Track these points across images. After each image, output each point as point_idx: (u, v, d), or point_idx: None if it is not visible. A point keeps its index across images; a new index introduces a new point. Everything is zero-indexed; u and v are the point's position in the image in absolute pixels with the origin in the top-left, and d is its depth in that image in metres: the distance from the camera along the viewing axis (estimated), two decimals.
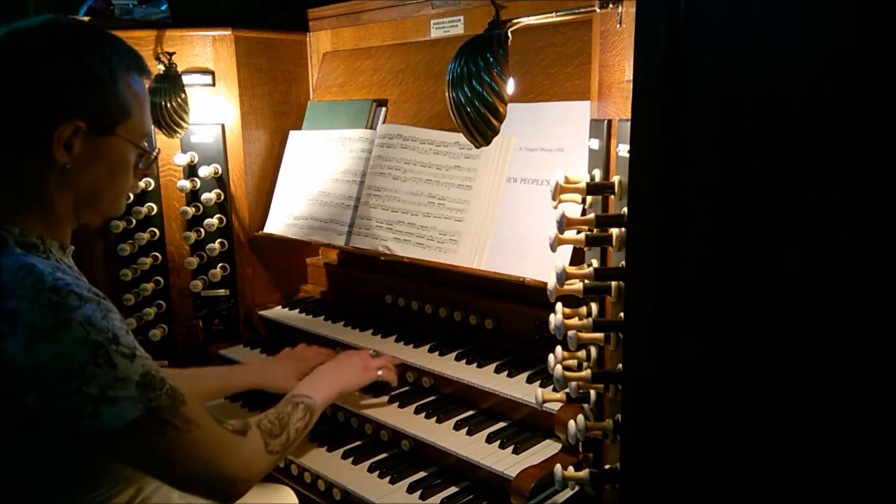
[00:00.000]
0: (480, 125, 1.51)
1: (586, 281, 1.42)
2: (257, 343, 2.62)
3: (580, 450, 1.71)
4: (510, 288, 2.05)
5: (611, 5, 1.44)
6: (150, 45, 2.51)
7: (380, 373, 2.03)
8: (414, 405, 2.08)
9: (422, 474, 1.94)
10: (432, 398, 2.12)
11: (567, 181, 1.50)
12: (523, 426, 1.94)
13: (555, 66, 2.04)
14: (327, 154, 2.57)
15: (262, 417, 1.56)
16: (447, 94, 1.53)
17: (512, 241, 1.98)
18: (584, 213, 1.63)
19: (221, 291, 2.69)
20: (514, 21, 1.54)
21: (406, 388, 2.17)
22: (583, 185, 1.49)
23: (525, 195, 1.99)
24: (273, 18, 2.76)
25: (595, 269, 1.42)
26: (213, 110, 2.62)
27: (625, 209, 1.40)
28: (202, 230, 2.62)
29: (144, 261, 2.62)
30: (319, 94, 2.77)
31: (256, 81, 2.67)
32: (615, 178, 1.46)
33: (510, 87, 1.53)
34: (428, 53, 2.42)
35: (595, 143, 1.56)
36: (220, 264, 2.67)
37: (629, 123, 0.98)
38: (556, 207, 1.51)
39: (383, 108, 2.51)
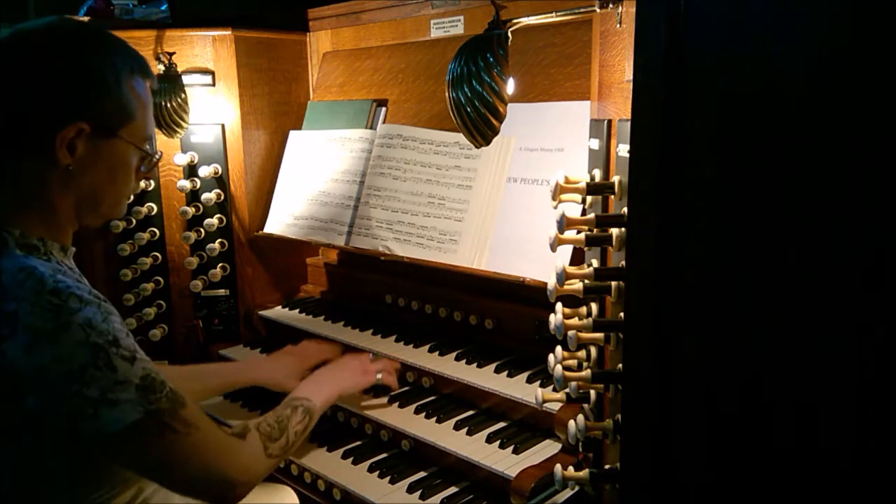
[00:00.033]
0: (480, 125, 1.51)
1: (586, 281, 1.42)
2: (257, 343, 2.62)
3: (580, 450, 1.71)
4: (510, 288, 2.05)
5: (611, 5, 1.43)
6: (150, 45, 2.51)
7: (379, 376, 2.03)
8: (414, 405, 2.08)
9: (422, 474, 1.94)
10: (432, 398, 2.12)
11: (567, 181, 1.50)
12: (523, 426, 1.94)
13: (555, 66, 2.04)
14: (327, 154, 2.57)
15: (260, 420, 1.56)
16: (447, 94, 1.53)
17: (512, 241, 1.98)
18: (584, 213, 1.63)
19: (221, 291, 2.69)
20: (514, 21, 1.54)
21: (406, 388, 2.17)
22: (583, 185, 1.49)
23: (525, 195, 1.99)
24: (273, 18, 2.76)
25: (595, 269, 1.42)
26: (213, 110, 2.63)
27: (625, 209, 1.40)
28: (202, 230, 2.62)
29: (144, 261, 2.62)
30: (319, 94, 2.77)
31: (256, 81, 2.67)
32: (615, 178, 1.46)
33: (510, 87, 1.53)
34: (428, 53, 2.42)
35: (595, 143, 1.56)
36: (220, 264, 2.67)
37: (629, 123, 0.98)
38: (556, 207, 1.51)
39: (383, 108, 2.51)
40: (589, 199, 1.55)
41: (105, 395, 1.19)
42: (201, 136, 2.63)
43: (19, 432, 1.25)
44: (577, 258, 1.76)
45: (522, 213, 1.98)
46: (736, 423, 0.90)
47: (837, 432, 0.83)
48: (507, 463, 1.76)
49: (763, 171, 0.83)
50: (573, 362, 1.57)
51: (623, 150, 1.43)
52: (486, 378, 2.00)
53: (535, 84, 2.07)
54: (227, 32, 2.57)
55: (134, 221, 2.60)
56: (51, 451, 1.27)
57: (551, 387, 1.83)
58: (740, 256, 0.87)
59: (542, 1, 1.87)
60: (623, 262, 1.34)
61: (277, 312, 2.70)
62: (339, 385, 1.90)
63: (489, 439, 1.87)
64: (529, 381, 1.97)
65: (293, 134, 2.72)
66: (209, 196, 2.60)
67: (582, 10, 1.53)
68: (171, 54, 2.47)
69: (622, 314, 1.33)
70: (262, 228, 2.69)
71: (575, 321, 1.47)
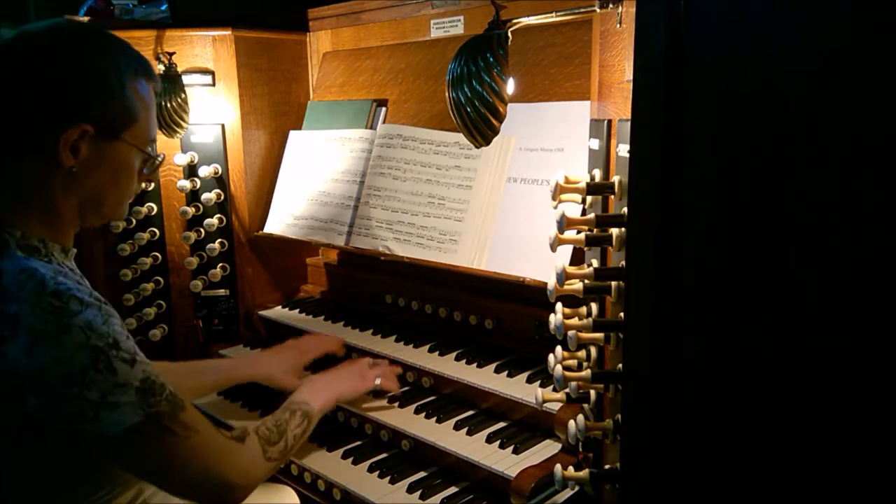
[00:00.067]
0: (480, 125, 1.51)
1: (586, 281, 1.42)
2: (257, 343, 2.62)
3: (580, 450, 1.71)
4: (510, 288, 2.05)
5: (611, 5, 1.43)
6: (150, 45, 2.51)
7: (377, 381, 2.02)
8: (414, 405, 2.08)
9: (422, 474, 1.94)
10: (432, 398, 2.12)
11: (567, 181, 1.50)
12: (523, 426, 1.94)
13: (555, 66, 2.04)
14: (327, 154, 2.57)
15: (259, 424, 1.57)
16: (447, 94, 1.53)
17: (512, 241, 1.98)
18: (584, 213, 1.63)
19: (221, 291, 2.69)
20: (514, 21, 1.54)
21: (406, 388, 2.17)
22: (583, 185, 1.49)
23: (525, 195, 1.99)
24: (273, 18, 2.76)
25: (595, 269, 1.42)
26: (213, 110, 2.63)
27: (625, 209, 1.40)
28: (202, 230, 2.62)
29: (144, 261, 2.62)
30: (319, 94, 2.77)
31: (256, 81, 2.67)
32: (615, 178, 1.46)
33: (510, 87, 1.53)
34: (428, 53, 2.42)
35: (595, 143, 1.56)
36: (220, 264, 2.67)
37: (629, 123, 0.98)
38: (556, 207, 1.51)
39: (383, 108, 2.52)
40: (589, 199, 1.55)
41: (105, 398, 1.19)
42: (201, 136, 2.63)
43: (20, 433, 1.25)
44: (577, 258, 1.76)
45: (522, 213, 1.98)
46: (736, 423, 0.90)
47: (837, 432, 0.83)
48: (507, 463, 1.76)
49: (763, 171, 0.83)
50: (573, 362, 1.57)
51: (623, 150, 1.43)
52: (486, 378, 2.00)
53: (535, 84, 2.07)
54: (227, 32, 2.57)
55: (134, 221, 2.60)
56: (51, 452, 1.27)
57: (551, 387, 1.83)
58: (740, 256, 0.87)
59: (542, 1, 1.87)
60: (623, 262, 1.34)
61: (277, 312, 2.70)
62: (338, 390, 1.90)
63: (489, 439, 1.87)
64: (529, 381, 1.97)
65: (293, 134, 2.72)
66: (209, 196, 2.60)
67: (582, 10, 1.53)
68: (171, 54, 2.47)
69: (622, 314, 1.33)
70: (262, 228, 2.69)
71: (575, 321, 1.47)
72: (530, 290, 1.91)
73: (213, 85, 2.60)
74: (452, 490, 1.86)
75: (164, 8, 2.71)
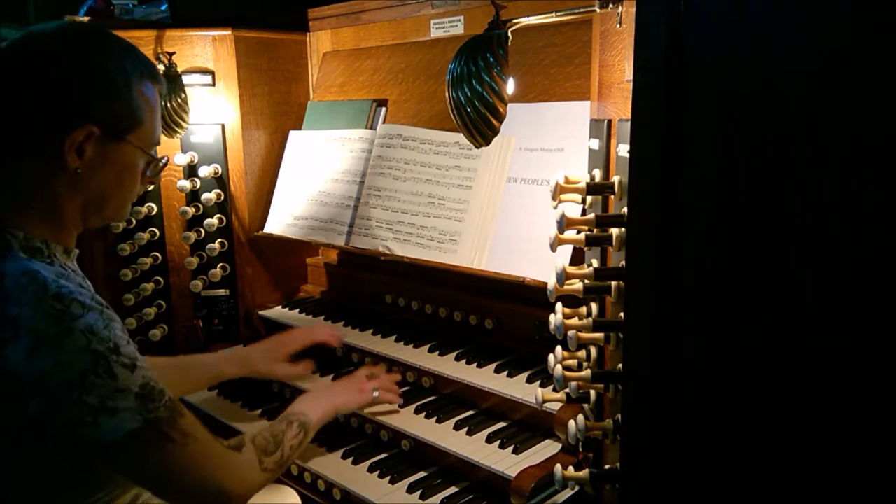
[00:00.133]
0: (480, 125, 1.51)
1: (586, 281, 1.42)
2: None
3: (580, 450, 1.71)
4: (510, 288, 2.05)
5: (611, 5, 1.43)
6: (150, 45, 2.51)
7: (375, 394, 2.02)
8: (414, 405, 2.08)
9: (422, 474, 1.94)
10: (432, 398, 2.12)
11: (567, 181, 1.50)
12: (523, 426, 1.94)
13: (555, 66, 2.04)
14: (327, 154, 2.57)
15: (256, 434, 1.56)
16: (447, 94, 1.53)
17: (512, 241, 1.98)
18: (584, 213, 1.63)
19: (221, 291, 2.69)
20: (514, 21, 1.54)
21: (406, 388, 2.17)
22: (583, 185, 1.49)
23: (525, 195, 1.99)
24: (273, 18, 2.76)
25: (595, 269, 1.42)
26: (213, 110, 2.63)
27: (625, 209, 1.40)
28: (202, 230, 2.62)
29: (144, 261, 2.62)
30: (319, 94, 2.77)
31: (256, 81, 2.67)
32: (615, 178, 1.46)
33: (510, 87, 1.53)
34: (428, 53, 2.42)
35: (595, 143, 1.56)
36: (220, 264, 2.67)
37: (629, 123, 0.98)
38: (556, 207, 1.51)
39: (383, 108, 2.52)
40: (589, 199, 1.55)
41: (104, 403, 1.19)
42: (201, 136, 2.63)
43: (20, 434, 1.25)
44: (577, 258, 1.75)
45: (522, 213, 1.98)
46: (736, 423, 0.90)
47: (837, 432, 0.83)
48: (507, 463, 1.76)
49: (763, 171, 0.83)
50: (573, 362, 1.57)
51: (623, 150, 1.43)
52: (486, 378, 2.00)
53: (535, 84, 2.07)
54: (227, 32, 2.57)
55: (134, 221, 2.60)
56: (51, 454, 1.27)
57: (551, 387, 1.83)
58: (740, 256, 0.87)
59: (542, 1, 1.87)
60: (623, 262, 1.34)
61: (277, 312, 2.70)
62: (336, 402, 1.90)
63: (489, 439, 1.87)
64: (529, 381, 1.97)
65: (293, 134, 2.72)
66: (209, 196, 2.60)
67: (582, 10, 1.53)
68: (171, 54, 2.47)
69: (622, 314, 1.33)
70: (262, 228, 2.69)
71: (575, 321, 1.47)
72: (530, 290, 1.91)
73: (213, 85, 2.60)
74: (452, 490, 1.86)
75: (164, 8, 2.71)
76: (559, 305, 1.53)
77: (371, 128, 2.50)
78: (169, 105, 2.39)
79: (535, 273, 1.87)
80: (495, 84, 1.48)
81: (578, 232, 1.45)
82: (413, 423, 2.00)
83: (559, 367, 1.49)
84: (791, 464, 0.87)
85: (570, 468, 1.48)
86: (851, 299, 0.80)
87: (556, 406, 1.72)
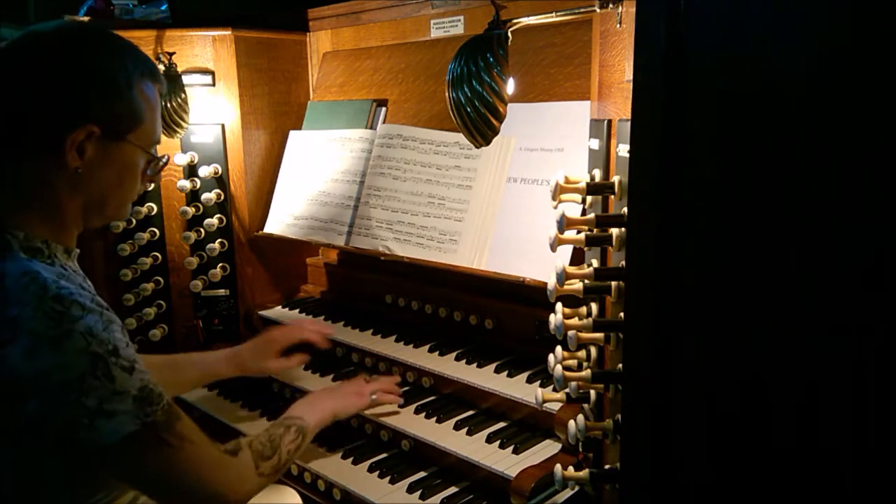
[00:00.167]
0: (480, 125, 1.51)
1: (586, 281, 1.42)
2: None
3: (580, 450, 1.71)
4: (510, 288, 2.05)
5: (611, 5, 1.43)
6: (150, 45, 2.51)
7: (374, 397, 2.01)
8: (414, 405, 2.08)
9: (422, 474, 1.94)
10: (432, 398, 2.12)
11: (567, 181, 1.50)
12: (523, 426, 1.94)
13: (555, 66, 2.04)
14: (327, 154, 2.57)
15: (253, 438, 1.56)
16: (447, 94, 1.53)
17: (512, 241, 1.98)
18: (584, 213, 1.63)
19: (221, 291, 2.69)
20: (514, 21, 1.54)
21: (406, 388, 2.17)
22: (583, 185, 1.49)
23: (525, 195, 1.99)
24: (273, 18, 2.76)
25: (595, 269, 1.42)
26: (213, 110, 2.62)
27: (625, 209, 1.40)
28: (202, 230, 2.62)
29: (144, 261, 2.62)
30: (319, 94, 2.77)
31: (256, 81, 2.67)
32: (615, 178, 1.46)
33: (510, 87, 1.53)
34: (428, 53, 2.42)
35: (595, 143, 1.56)
36: (220, 264, 2.67)
37: (629, 123, 0.98)
38: (556, 207, 1.51)
39: (383, 108, 2.52)
40: (589, 199, 1.55)
41: (102, 406, 1.19)
42: (201, 136, 2.63)
43: (20, 434, 1.24)
44: (577, 258, 1.75)
45: (522, 213, 1.98)
46: (736, 423, 0.90)
47: (837, 432, 0.83)
48: (507, 463, 1.76)
49: (763, 171, 0.83)
50: (573, 362, 1.57)
51: (623, 150, 1.43)
52: (486, 378, 2.00)
53: (535, 84, 2.07)
54: (227, 32, 2.57)
55: (134, 221, 2.60)
56: (50, 454, 1.27)
57: (551, 387, 1.83)
58: (740, 256, 0.87)
59: (542, 1, 1.87)
60: (623, 262, 1.34)
61: (277, 312, 2.69)
62: (334, 407, 1.90)
63: (489, 439, 1.87)
64: (529, 381, 1.97)
65: (293, 134, 2.72)
66: (209, 196, 2.60)
67: (582, 10, 1.53)
68: (171, 54, 2.47)
69: (622, 314, 1.33)
70: (262, 228, 2.69)
71: (575, 321, 1.47)
72: (530, 290, 1.91)
73: (213, 85, 2.60)
74: (452, 490, 1.86)
75: (164, 8, 2.71)
76: (559, 305, 1.53)
77: (371, 128, 2.50)
78: (169, 105, 2.39)
79: (535, 273, 1.87)
80: (495, 84, 1.48)
81: (578, 232, 1.45)
82: (413, 423, 2.00)
83: (559, 367, 1.49)
84: (791, 464, 0.87)
85: (570, 468, 1.48)
86: (851, 299, 0.80)
87: (556, 406, 1.72)
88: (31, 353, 1.17)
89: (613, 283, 1.39)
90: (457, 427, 1.94)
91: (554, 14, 1.55)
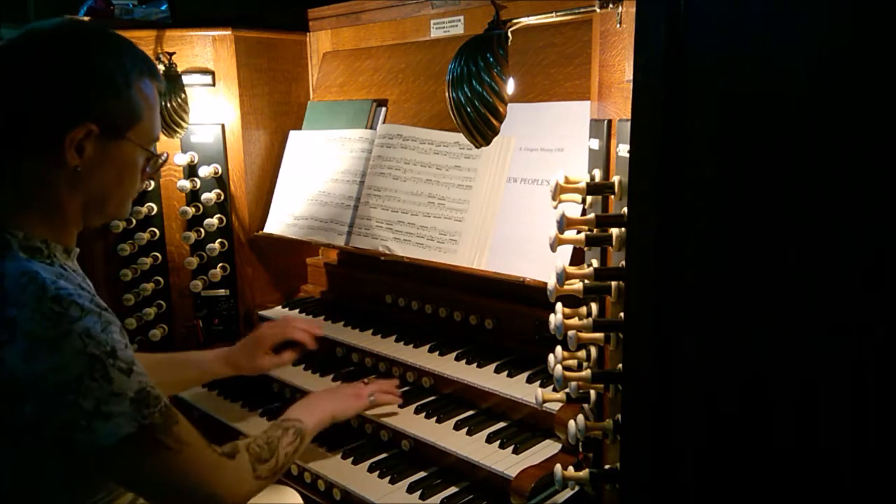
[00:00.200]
0: (480, 125, 1.51)
1: (586, 281, 1.42)
2: None
3: (580, 450, 1.71)
4: (510, 288, 2.05)
5: (611, 5, 1.43)
6: (150, 45, 2.51)
7: (372, 398, 2.00)
8: (414, 405, 2.08)
9: (422, 474, 1.94)
10: (432, 398, 2.12)
11: (567, 181, 1.50)
12: (523, 426, 1.94)
13: (555, 66, 2.04)
14: (327, 154, 2.57)
15: (251, 441, 1.56)
16: (447, 94, 1.53)
17: (512, 241, 1.98)
18: (584, 213, 1.63)
19: (221, 291, 2.69)
20: (514, 21, 1.54)
21: (406, 388, 2.17)
22: (583, 185, 1.49)
23: (525, 195, 1.99)
24: (273, 18, 2.76)
25: (595, 269, 1.42)
26: (213, 110, 2.62)
27: (625, 209, 1.40)
28: (202, 230, 2.62)
29: (144, 261, 2.62)
30: (319, 94, 2.77)
31: (256, 81, 2.67)
32: (615, 178, 1.46)
33: (510, 87, 1.53)
34: (428, 53, 2.42)
35: (595, 143, 1.56)
36: (220, 264, 2.67)
37: (629, 123, 0.98)
38: (556, 207, 1.51)
39: (383, 108, 2.52)
40: (589, 199, 1.55)
41: (99, 408, 1.19)
42: (201, 136, 2.63)
43: (20, 434, 1.24)
44: (577, 258, 1.75)
45: (522, 213, 1.98)
46: (736, 423, 0.90)
47: (837, 432, 0.83)
48: (507, 463, 1.76)
49: (763, 171, 0.83)
50: (573, 362, 1.57)
51: (623, 150, 1.43)
52: (486, 378, 2.00)
53: (535, 84, 2.07)
54: (227, 32, 2.57)
55: (134, 221, 2.60)
56: (49, 455, 1.27)
57: (551, 387, 1.83)
58: (740, 256, 0.87)
59: (542, 1, 1.87)
60: (623, 262, 1.34)
61: (277, 312, 2.69)
62: (333, 409, 1.89)
63: (489, 439, 1.87)
64: (529, 381, 1.97)
65: (293, 134, 2.72)
66: (209, 196, 2.60)
67: (582, 10, 1.53)
68: (171, 54, 2.47)
69: (622, 314, 1.33)
70: (262, 228, 2.69)
71: (575, 321, 1.47)
72: (530, 290, 1.91)
73: (213, 85, 2.60)
74: (452, 490, 1.86)
75: (164, 8, 2.71)
76: (559, 305, 1.53)
77: (371, 128, 2.50)
78: (169, 105, 2.39)
79: (535, 273, 1.87)
80: (495, 84, 1.48)
81: (578, 232, 1.45)
82: (413, 423, 2.00)
83: (559, 367, 1.49)
84: (791, 464, 0.87)
85: (570, 468, 1.48)
86: (851, 299, 0.80)
87: (556, 406, 1.72)
88: (29, 354, 1.17)
89: (613, 283, 1.39)
90: (457, 427, 1.94)
91: (554, 14, 1.56)
